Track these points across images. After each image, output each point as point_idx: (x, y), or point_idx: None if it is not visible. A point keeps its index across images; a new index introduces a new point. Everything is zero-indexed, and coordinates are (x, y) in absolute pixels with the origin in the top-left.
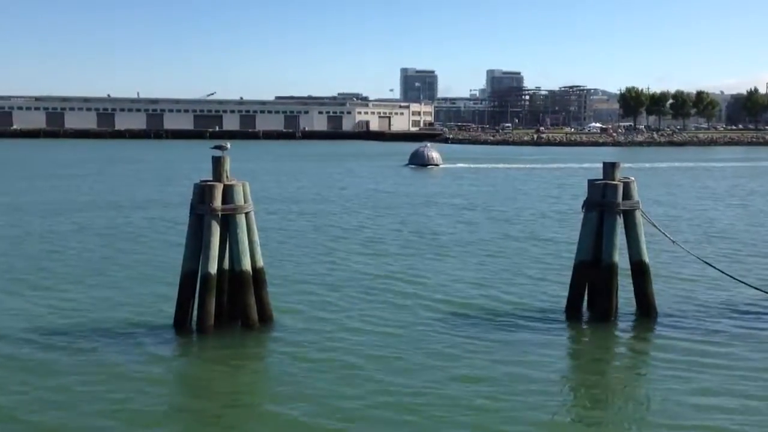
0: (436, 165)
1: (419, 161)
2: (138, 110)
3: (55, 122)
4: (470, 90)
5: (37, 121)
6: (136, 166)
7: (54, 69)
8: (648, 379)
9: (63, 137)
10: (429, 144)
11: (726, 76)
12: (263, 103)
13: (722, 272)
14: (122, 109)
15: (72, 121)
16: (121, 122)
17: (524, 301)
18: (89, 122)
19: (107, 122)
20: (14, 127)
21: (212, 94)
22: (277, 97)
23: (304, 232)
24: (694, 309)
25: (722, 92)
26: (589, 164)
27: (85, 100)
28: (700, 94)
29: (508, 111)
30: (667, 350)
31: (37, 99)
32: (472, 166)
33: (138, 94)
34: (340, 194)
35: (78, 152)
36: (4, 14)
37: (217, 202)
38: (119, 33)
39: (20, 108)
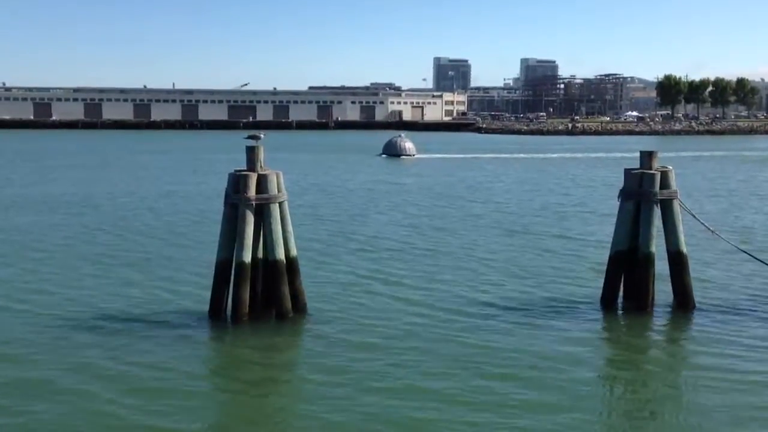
0: (410, 155)
1: (392, 152)
2: (173, 101)
3: (92, 113)
4: (504, 79)
5: (76, 112)
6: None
7: (91, 61)
8: (686, 372)
9: (100, 128)
10: (403, 134)
11: (767, 64)
12: (296, 93)
13: (763, 262)
14: (158, 100)
15: (109, 112)
16: (157, 113)
17: (558, 293)
18: (126, 113)
19: (143, 113)
20: (53, 118)
21: (246, 84)
22: (310, 87)
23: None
24: (733, 300)
25: (763, 79)
26: (597, 154)
27: (122, 91)
28: (740, 82)
29: (542, 100)
30: (705, 343)
31: (75, 90)
32: (447, 156)
33: (173, 85)
34: (329, 185)
35: (118, 141)
36: (43, 8)
37: (252, 192)
38: (155, 25)
39: (59, 99)
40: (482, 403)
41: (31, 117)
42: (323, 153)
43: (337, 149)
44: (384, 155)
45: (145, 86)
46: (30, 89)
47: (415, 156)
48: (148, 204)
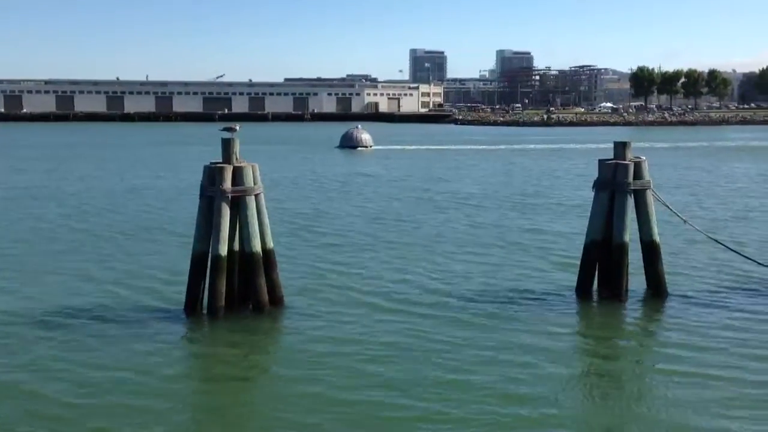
0: (366, 147)
1: (349, 144)
2: (147, 93)
3: (64, 105)
4: (480, 71)
5: (47, 104)
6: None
7: (63, 52)
8: (659, 359)
9: (73, 120)
10: (359, 126)
11: (738, 55)
12: (272, 85)
13: (734, 251)
14: (131, 92)
15: (81, 104)
16: (131, 105)
17: (534, 283)
18: (99, 105)
19: (117, 105)
20: (24, 110)
21: (221, 76)
22: (286, 79)
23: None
24: (705, 288)
25: (734, 71)
26: (561, 145)
27: (95, 83)
28: (712, 73)
29: (518, 91)
30: (678, 330)
31: (46, 82)
32: (406, 147)
33: (147, 77)
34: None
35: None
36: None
37: (227, 184)
38: (128, 16)
39: (30, 91)
40: (457, 395)
41: (2, 110)
42: (285, 145)
43: (303, 142)
44: (341, 147)
45: (118, 78)
46: (0, 81)
47: (372, 147)
48: (119, 197)
